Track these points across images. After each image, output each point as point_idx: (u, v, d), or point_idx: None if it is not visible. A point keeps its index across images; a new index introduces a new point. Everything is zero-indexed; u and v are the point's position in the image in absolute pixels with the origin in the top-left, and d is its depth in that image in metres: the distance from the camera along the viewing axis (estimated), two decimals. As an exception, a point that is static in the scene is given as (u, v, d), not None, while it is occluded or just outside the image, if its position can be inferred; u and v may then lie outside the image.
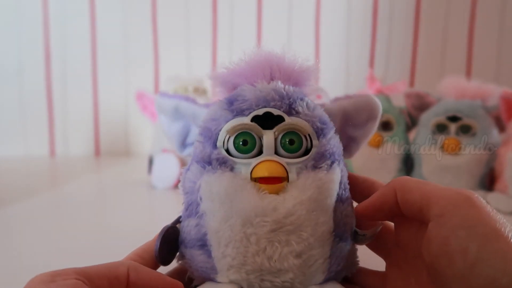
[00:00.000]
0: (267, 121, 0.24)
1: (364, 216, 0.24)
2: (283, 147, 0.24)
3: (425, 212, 0.20)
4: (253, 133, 0.24)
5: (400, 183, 0.22)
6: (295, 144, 0.24)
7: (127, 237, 0.42)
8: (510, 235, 0.17)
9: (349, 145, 0.29)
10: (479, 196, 0.20)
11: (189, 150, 0.30)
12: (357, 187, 0.27)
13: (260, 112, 0.24)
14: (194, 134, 0.29)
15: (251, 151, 0.24)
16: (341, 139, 0.26)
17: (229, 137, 0.24)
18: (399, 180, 0.22)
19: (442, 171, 0.64)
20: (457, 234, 0.18)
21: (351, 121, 0.28)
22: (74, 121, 1.08)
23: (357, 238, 0.25)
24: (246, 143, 0.24)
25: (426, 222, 0.20)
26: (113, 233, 0.45)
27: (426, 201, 0.20)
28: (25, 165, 0.96)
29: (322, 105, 0.27)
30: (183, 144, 0.31)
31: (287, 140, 0.24)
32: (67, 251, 0.40)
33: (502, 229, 0.17)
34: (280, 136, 0.24)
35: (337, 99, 0.27)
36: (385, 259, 0.26)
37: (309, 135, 0.24)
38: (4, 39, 1.04)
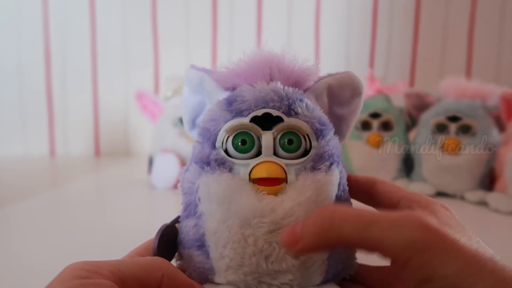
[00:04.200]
0: (266, 122, 0.24)
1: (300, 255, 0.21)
2: (282, 147, 0.24)
3: (384, 258, 0.18)
4: (252, 133, 0.24)
5: (336, 233, 0.18)
6: (294, 143, 0.24)
7: (127, 237, 0.42)
8: (481, 264, 0.16)
9: (340, 126, 0.29)
10: (428, 218, 0.18)
11: (195, 133, 0.30)
12: (360, 188, 0.27)
13: (259, 113, 0.24)
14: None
15: (249, 151, 0.24)
16: (331, 120, 0.26)
17: (228, 137, 0.24)
18: (334, 232, 0.18)
19: (442, 171, 0.64)
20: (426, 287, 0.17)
21: (337, 99, 0.28)
22: (74, 121, 1.08)
23: None
24: (245, 143, 0.24)
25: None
26: (113, 233, 0.46)
27: (382, 252, 0.18)
28: (25, 165, 0.96)
29: (308, 88, 0.27)
30: (194, 122, 0.30)
31: (286, 140, 0.24)
32: (67, 251, 0.40)
33: (471, 265, 0.16)
34: (279, 136, 0.24)
35: (320, 78, 0.27)
36: None
37: (307, 135, 0.24)
38: (4, 39, 1.04)
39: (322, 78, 0.27)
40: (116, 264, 0.18)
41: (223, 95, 0.26)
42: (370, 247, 0.18)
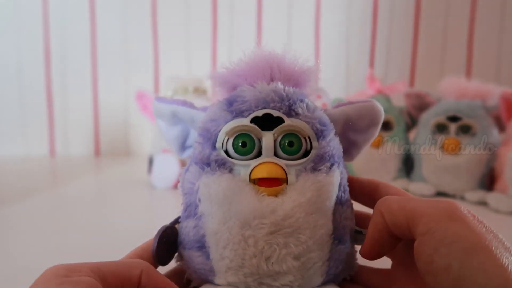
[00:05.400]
0: (266, 122, 0.24)
1: (374, 258, 0.23)
2: (282, 149, 0.24)
3: (412, 231, 0.20)
4: (252, 135, 0.24)
5: (385, 205, 0.22)
6: (295, 146, 0.24)
7: (127, 237, 0.42)
8: (490, 246, 0.17)
9: (350, 149, 0.29)
10: (461, 207, 0.19)
11: (188, 153, 0.30)
12: (363, 190, 0.27)
13: (260, 113, 0.24)
14: (194, 136, 0.29)
15: (250, 153, 0.24)
16: (342, 142, 0.26)
17: (228, 138, 0.24)
18: (383, 203, 0.22)
19: (442, 171, 0.64)
20: (439, 252, 0.18)
21: (352, 126, 0.28)
22: (74, 121, 1.08)
23: (358, 238, 0.25)
24: (245, 145, 0.24)
25: (414, 240, 0.20)
26: (113, 233, 0.45)
27: (411, 220, 0.20)
28: (25, 165, 0.96)
29: (325, 110, 0.27)
30: (183, 147, 0.31)
31: (287, 142, 0.24)
32: (67, 251, 0.40)
33: (482, 242, 0.17)
34: (279, 138, 0.24)
35: (339, 105, 0.27)
36: (392, 258, 0.26)
37: (308, 137, 0.24)
38: (4, 39, 1.04)
39: (341, 105, 0.27)
40: (95, 263, 0.19)
41: (203, 115, 0.26)
42: (406, 215, 0.20)
